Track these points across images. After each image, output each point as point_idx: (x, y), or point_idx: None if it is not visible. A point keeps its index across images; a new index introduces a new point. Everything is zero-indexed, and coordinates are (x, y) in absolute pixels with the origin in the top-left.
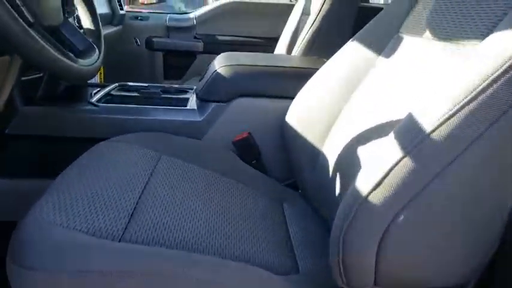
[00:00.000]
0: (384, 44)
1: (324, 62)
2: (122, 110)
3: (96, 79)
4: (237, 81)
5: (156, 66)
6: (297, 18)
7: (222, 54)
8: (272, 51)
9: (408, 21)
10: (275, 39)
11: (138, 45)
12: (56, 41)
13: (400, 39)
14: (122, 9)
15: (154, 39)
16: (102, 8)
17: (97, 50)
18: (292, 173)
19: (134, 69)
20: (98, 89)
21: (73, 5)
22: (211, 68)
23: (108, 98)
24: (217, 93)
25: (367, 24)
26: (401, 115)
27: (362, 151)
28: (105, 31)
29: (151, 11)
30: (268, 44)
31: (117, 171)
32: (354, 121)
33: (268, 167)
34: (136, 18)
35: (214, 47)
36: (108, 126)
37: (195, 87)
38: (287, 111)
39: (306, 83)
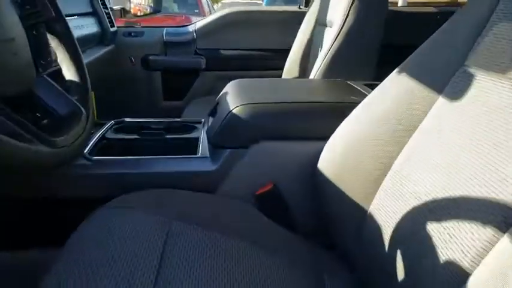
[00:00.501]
0: (445, 79)
1: (358, 91)
2: (120, 164)
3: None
4: (257, 123)
5: (155, 87)
6: (310, 28)
7: (231, 83)
8: (282, 66)
9: (477, 51)
10: (285, 52)
11: (134, 64)
12: (26, 110)
13: (467, 76)
14: (113, 26)
15: (150, 58)
16: (91, 28)
17: (84, 112)
18: (329, 235)
19: (131, 92)
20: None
21: (49, 55)
22: (224, 106)
23: (103, 143)
24: (234, 138)
25: (419, 49)
26: (490, 181)
27: (437, 227)
28: (96, 53)
29: (146, 25)
30: (278, 57)
31: (124, 251)
32: (415, 179)
33: (297, 223)
34: (129, 34)
35: (217, 63)
36: (105, 184)
37: (203, 120)
38: (319, 155)
39: (340, 120)
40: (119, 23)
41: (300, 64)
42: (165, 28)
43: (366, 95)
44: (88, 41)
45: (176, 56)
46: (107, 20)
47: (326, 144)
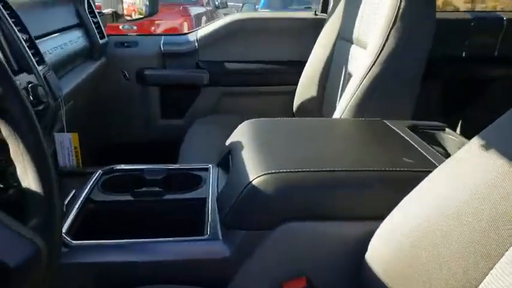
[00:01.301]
0: None
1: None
2: (108, 250)
3: (70, 143)
4: (285, 199)
5: (152, 104)
6: (331, 43)
7: (245, 125)
8: (296, 80)
9: None
10: (299, 64)
11: (128, 79)
12: None
13: None
14: (103, 37)
15: (146, 72)
16: (78, 42)
17: (44, 251)
18: None
19: (125, 109)
20: (72, 192)
21: None
22: (239, 169)
23: (88, 210)
24: (254, 217)
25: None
26: None
27: None
28: (84, 71)
29: (141, 28)
30: (291, 70)
31: None
32: None
33: None
34: (122, 45)
35: (222, 78)
36: (89, 277)
37: (210, 167)
38: (367, 242)
39: (398, 194)
40: (110, 30)
41: (319, 82)
42: (163, 37)
43: (424, 146)
44: (74, 59)
45: (176, 70)
46: (96, 30)
47: (379, 229)
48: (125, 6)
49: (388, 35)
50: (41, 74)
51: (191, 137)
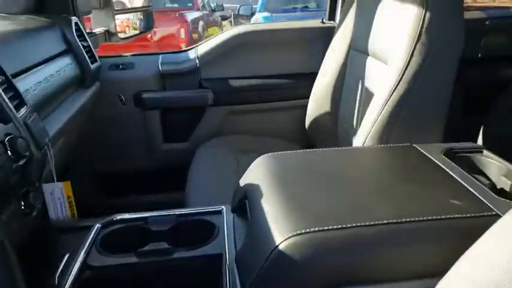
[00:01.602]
0: None
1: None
2: None
3: (62, 193)
4: (319, 266)
5: (153, 128)
6: (343, 55)
7: (258, 163)
8: (307, 94)
9: None
10: (308, 76)
11: (124, 104)
12: None
13: None
14: (94, 61)
15: (145, 95)
16: (67, 71)
17: None
18: None
19: (124, 136)
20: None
21: None
22: (260, 228)
23: (84, 278)
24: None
25: None
26: None
27: None
28: (76, 103)
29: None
30: (300, 83)
31: None
32: None
33: None
34: (117, 67)
35: (228, 96)
36: None
37: (223, 209)
38: None
39: (455, 245)
40: (103, 50)
41: (333, 95)
42: (160, 56)
43: (469, 180)
44: (64, 90)
45: (177, 91)
46: (86, 55)
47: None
48: (118, 22)
49: (413, 51)
50: (21, 121)
51: (198, 162)
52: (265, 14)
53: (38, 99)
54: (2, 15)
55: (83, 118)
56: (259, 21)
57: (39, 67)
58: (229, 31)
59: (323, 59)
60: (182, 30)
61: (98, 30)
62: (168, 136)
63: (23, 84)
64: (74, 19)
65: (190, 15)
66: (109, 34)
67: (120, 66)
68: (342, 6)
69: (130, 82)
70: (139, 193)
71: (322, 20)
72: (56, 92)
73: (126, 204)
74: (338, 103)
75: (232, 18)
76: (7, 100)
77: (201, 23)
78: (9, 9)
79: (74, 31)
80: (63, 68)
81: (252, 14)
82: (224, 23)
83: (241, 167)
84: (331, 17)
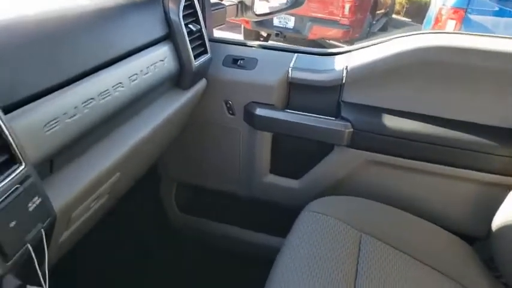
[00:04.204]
0: None
1: None
2: None
3: None
4: None
5: (259, 151)
6: None
7: None
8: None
9: None
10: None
11: (232, 114)
12: None
13: None
14: (203, 52)
15: (258, 111)
16: (159, 68)
17: None
18: None
19: (219, 152)
20: None
21: None
22: None
23: None
24: None
25: None
26: None
27: None
28: (165, 110)
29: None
30: (502, 147)
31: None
32: None
33: None
34: (235, 62)
35: (375, 141)
36: None
37: None
38: None
39: None
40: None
41: None
42: (296, 54)
43: None
44: (152, 91)
45: (301, 114)
46: (191, 45)
47: None
48: None
49: None
50: None
51: (296, 236)
52: None
53: (116, 105)
54: None
55: (173, 126)
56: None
57: (126, 59)
58: (406, 37)
59: None
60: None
61: (228, 2)
62: (277, 167)
63: (93, 87)
64: None
65: None
66: (244, 7)
67: (239, 62)
68: None
69: (245, 87)
70: (219, 220)
71: None
72: (131, 101)
73: (198, 227)
74: None
75: None
76: None
77: None
78: None
79: (181, 9)
80: (154, 63)
81: None
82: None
83: (361, 265)
84: None
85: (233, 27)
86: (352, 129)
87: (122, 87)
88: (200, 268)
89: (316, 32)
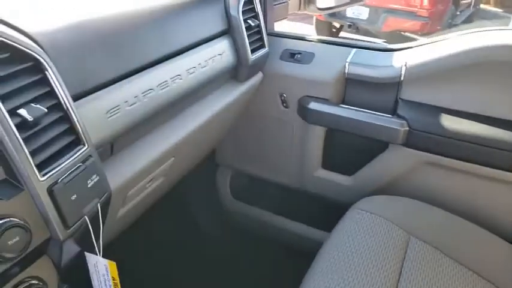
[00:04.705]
0: None
1: None
2: None
3: (106, 271)
4: None
5: (311, 145)
6: None
7: None
8: None
9: None
10: None
11: (287, 107)
12: None
13: None
14: (261, 46)
15: (311, 105)
16: (217, 62)
17: None
18: None
19: (273, 144)
20: None
21: None
22: None
23: None
24: None
25: None
26: None
27: None
28: (222, 100)
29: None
30: None
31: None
32: None
33: None
34: (292, 56)
35: (432, 139)
36: None
37: None
38: None
39: None
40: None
41: None
42: (354, 49)
43: None
44: (209, 82)
45: (357, 110)
46: (249, 39)
47: None
48: None
49: None
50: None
51: (350, 226)
52: None
53: (173, 96)
54: None
55: (228, 117)
56: None
57: (185, 53)
58: (468, 34)
59: None
60: None
61: None
62: (328, 162)
63: (154, 78)
64: None
65: None
66: (306, 1)
67: (296, 57)
68: None
69: (300, 81)
70: (268, 209)
71: None
72: (196, 88)
73: (249, 213)
74: None
75: None
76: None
77: None
78: None
79: (241, 5)
80: (212, 57)
81: None
82: None
83: (405, 268)
84: None
85: (304, 18)
86: (408, 128)
87: (180, 79)
88: (246, 253)
89: (390, 23)
